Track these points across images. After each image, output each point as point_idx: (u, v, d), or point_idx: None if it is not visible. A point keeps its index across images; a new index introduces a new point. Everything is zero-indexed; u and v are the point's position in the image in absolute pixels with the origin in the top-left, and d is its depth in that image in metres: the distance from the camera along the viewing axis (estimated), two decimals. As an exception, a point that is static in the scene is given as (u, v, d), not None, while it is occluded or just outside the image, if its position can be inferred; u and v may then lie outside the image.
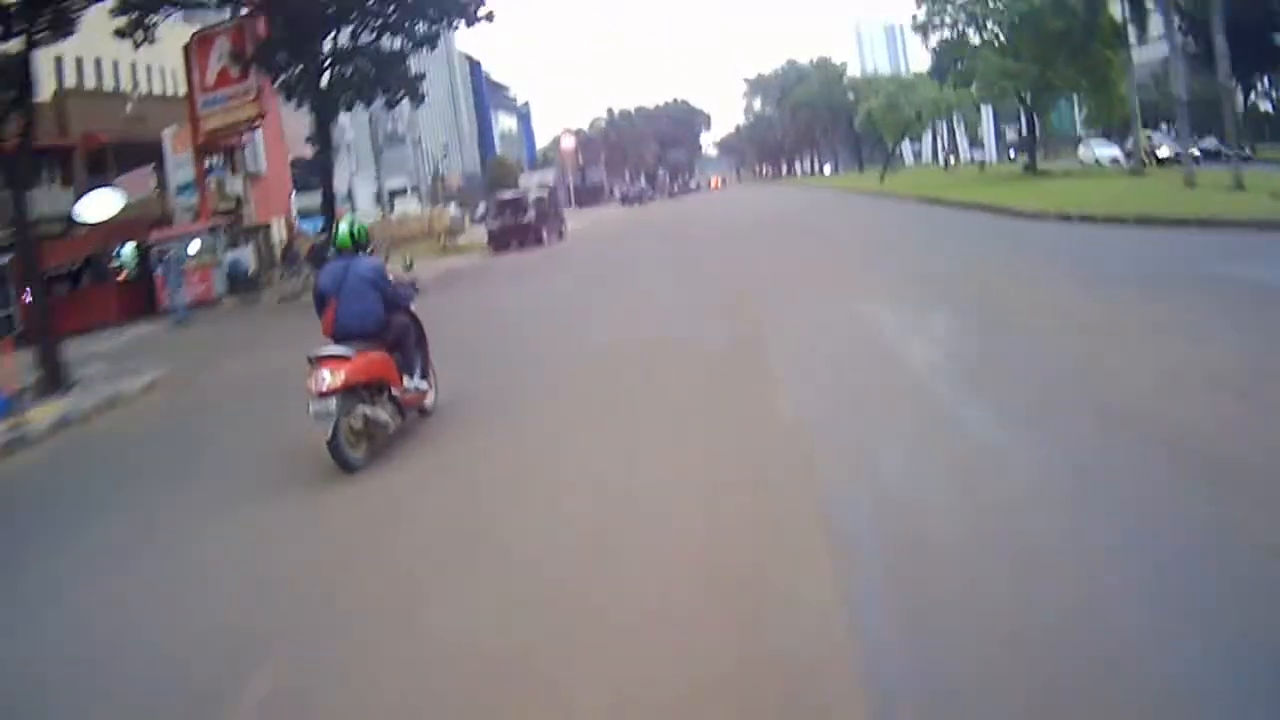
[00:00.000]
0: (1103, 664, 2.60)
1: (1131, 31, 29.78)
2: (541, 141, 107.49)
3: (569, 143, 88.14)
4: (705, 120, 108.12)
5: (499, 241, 29.73)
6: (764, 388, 6.54)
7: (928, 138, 72.06)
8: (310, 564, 4.53)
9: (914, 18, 36.20)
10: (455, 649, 3.32)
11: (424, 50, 22.99)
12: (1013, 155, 60.24)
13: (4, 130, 12.67)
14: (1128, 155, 37.39)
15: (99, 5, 21.35)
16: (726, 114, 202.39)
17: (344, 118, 50.40)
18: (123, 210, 24.71)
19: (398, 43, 22.46)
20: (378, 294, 6.34)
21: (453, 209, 46.12)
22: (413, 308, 6.89)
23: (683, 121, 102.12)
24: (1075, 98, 41.18)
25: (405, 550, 4.46)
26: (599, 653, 3.11)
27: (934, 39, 36.24)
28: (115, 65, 32.87)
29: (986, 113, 59.15)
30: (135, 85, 33.34)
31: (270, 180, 39.12)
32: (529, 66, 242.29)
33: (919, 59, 72.34)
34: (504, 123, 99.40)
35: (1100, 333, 6.92)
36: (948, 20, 34.72)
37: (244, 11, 23.33)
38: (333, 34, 21.61)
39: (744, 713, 2.66)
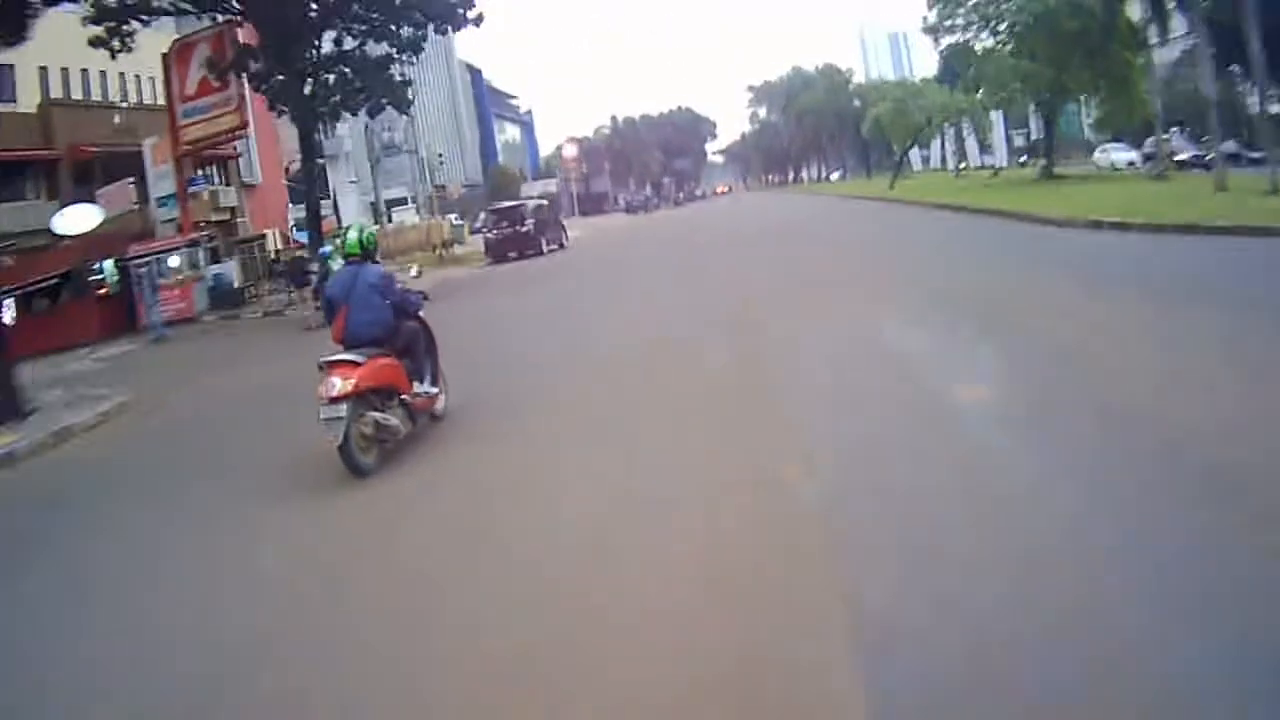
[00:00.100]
0: (1102, 664, 2.57)
1: (1151, 33, 28.74)
2: (545, 150, 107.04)
3: (571, 151, 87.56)
4: (710, 128, 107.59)
5: (496, 252, 29.16)
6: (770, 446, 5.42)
7: (936, 144, 71.12)
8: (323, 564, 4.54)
9: (924, 19, 35.22)
10: (458, 649, 3.35)
11: (413, 57, 22.26)
12: (1023, 161, 59.35)
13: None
14: (1146, 159, 36.40)
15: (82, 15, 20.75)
16: (731, 122, 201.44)
17: (342, 128, 49.91)
18: (104, 223, 23.86)
19: (383, 50, 21.58)
20: (387, 300, 6.45)
21: (453, 219, 45.26)
22: (421, 314, 6.99)
23: (688, 129, 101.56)
24: (1082, 102, 40.25)
25: (415, 552, 4.50)
26: (607, 653, 3.13)
27: (945, 42, 35.27)
28: (103, 75, 32.02)
29: (997, 118, 58.24)
30: (124, 96, 32.58)
31: (265, 190, 38.51)
32: (532, 75, 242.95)
33: (923, 66, 71.84)
34: (508, 131, 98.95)
35: (1197, 370, 5.42)
36: (960, 22, 33.66)
37: (223, 19, 22.45)
38: (315, 41, 20.73)
39: (744, 713, 2.66)
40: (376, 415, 5.91)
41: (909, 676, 2.66)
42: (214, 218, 31.75)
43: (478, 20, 21.65)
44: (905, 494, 4.10)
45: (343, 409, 5.63)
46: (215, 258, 25.15)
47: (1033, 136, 63.21)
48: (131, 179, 25.31)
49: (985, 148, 67.27)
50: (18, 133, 26.51)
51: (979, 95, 38.70)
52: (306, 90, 20.88)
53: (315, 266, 18.61)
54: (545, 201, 36.28)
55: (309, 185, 21.90)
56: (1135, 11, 29.97)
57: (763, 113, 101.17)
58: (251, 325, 20.40)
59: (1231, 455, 3.99)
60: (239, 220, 34.18)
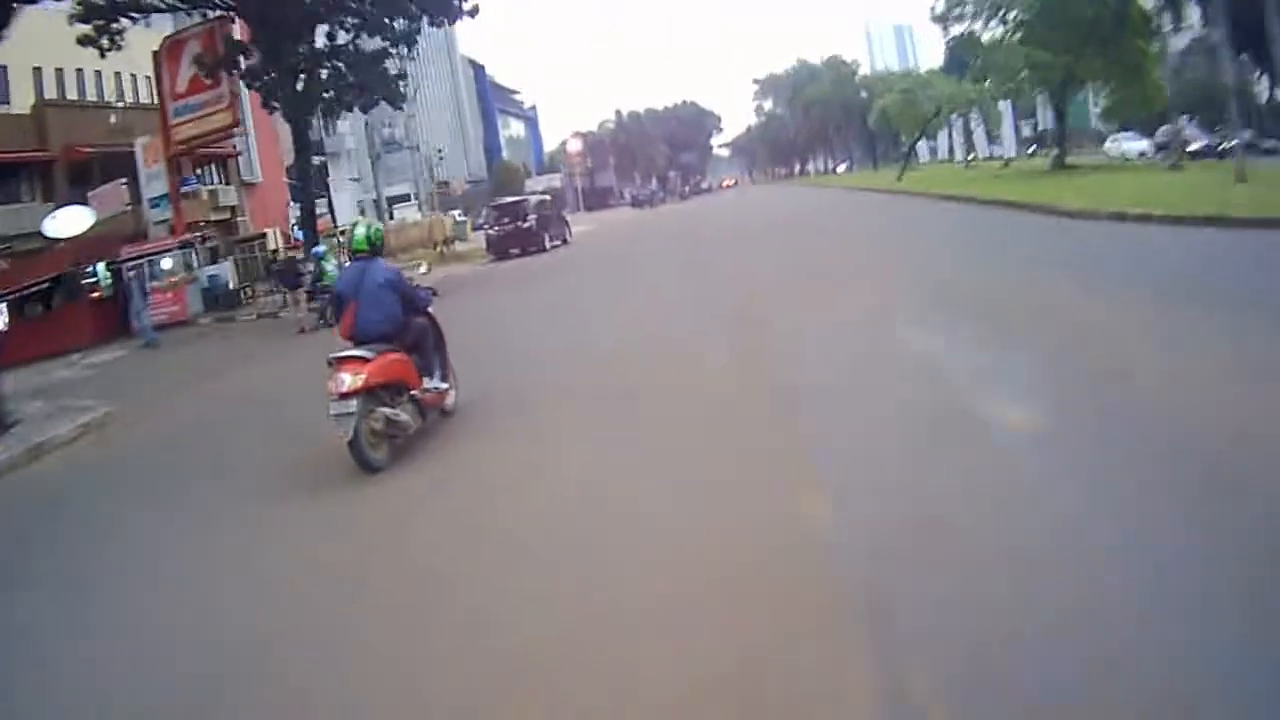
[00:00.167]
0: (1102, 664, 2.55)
1: (1165, 21, 28.13)
2: (549, 145, 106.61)
3: (576, 146, 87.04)
4: (716, 122, 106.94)
5: (498, 249, 28.86)
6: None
7: (943, 135, 70.34)
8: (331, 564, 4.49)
9: (932, 8, 34.66)
10: (462, 647, 3.35)
11: (411, 51, 21.72)
12: (1032, 151, 58.58)
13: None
14: (1157, 149, 35.70)
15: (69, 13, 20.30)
16: (736, 116, 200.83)
17: (344, 125, 49.51)
18: (96, 225, 23.43)
19: (377, 44, 21.05)
20: (396, 296, 6.43)
21: (455, 215, 44.82)
22: (430, 309, 6.98)
23: (693, 123, 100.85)
24: (1090, 91, 39.61)
25: (425, 549, 4.49)
26: (607, 653, 3.10)
27: (953, 31, 34.68)
28: (99, 76, 31.62)
29: (1005, 108, 57.51)
30: (120, 95, 32.19)
31: (266, 189, 38.11)
32: (536, 70, 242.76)
33: (929, 58, 71.14)
34: (512, 127, 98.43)
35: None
36: (969, 10, 33.01)
37: (214, 15, 21.96)
38: (308, 35, 20.23)
39: (744, 713, 2.65)
40: (387, 411, 5.91)
41: (909, 676, 2.64)
42: (214, 217, 31.41)
43: (473, 11, 21.11)
44: (903, 493, 4.05)
45: (353, 404, 5.63)
46: (215, 258, 24.73)
47: (1040, 127, 62.61)
48: (124, 180, 24.88)
49: (993, 138, 66.51)
50: (12, 134, 26.15)
51: (987, 85, 38.13)
52: (299, 86, 20.37)
53: (309, 267, 18.18)
54: (548, 197, 35.79)
55: (304, 183, 21.43)
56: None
57: (768, 105, 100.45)
58: (245, 328, 19.97)
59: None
60: (239, 219, 33.86)
